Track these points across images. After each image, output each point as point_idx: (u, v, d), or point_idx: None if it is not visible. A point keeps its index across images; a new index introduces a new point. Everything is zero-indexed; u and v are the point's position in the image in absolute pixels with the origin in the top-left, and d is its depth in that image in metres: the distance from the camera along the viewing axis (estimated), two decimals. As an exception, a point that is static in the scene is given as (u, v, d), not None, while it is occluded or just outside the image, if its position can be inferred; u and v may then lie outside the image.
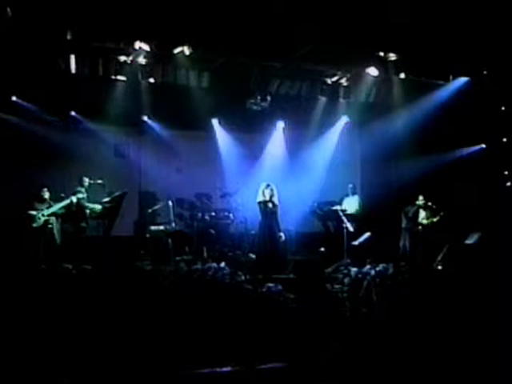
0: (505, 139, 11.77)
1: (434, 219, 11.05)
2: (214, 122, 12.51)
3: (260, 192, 9.90)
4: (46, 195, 9.91)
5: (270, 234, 9.76)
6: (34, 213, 9.66)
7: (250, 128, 12.48)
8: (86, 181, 10.21)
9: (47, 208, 9.78)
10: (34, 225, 9.64)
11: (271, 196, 9.82)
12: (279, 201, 9.93)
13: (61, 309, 7.07)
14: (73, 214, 10.03)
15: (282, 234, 9.82)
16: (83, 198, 10.03)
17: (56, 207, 9.83)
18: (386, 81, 11.68)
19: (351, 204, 11.59)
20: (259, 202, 9.85)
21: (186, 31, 9.59)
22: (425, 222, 11.15)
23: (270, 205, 9.81)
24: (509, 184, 11.79)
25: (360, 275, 8.85)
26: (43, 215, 9.70)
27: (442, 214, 11.02)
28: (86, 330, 6.78)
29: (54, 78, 10.23)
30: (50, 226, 9.76)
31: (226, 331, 7.12)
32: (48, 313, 6.99)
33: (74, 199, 9.88)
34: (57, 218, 9.90)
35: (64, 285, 7.57)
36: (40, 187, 9.95)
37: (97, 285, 7.56)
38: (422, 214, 11.30)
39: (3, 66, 9.57)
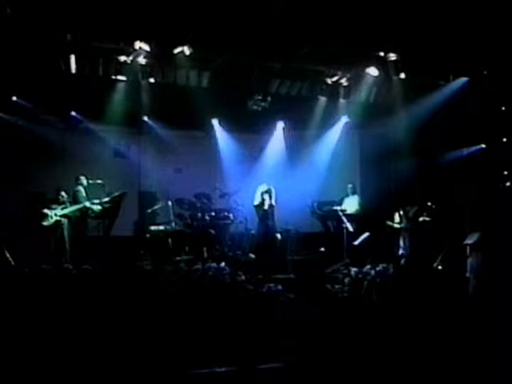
0: (505, 139, 11.76)
1: (421, 219, 11.02)
2: (214, 122, 12.50)
3: (257, 194, 9.93)
4: (64, 198, 10.09)
5: (267, 234, 9.81)
6: (47, 211, 9.73)
7: (249, 128, 12.46)
8: (83, 179, 10.25)
9: (62, 209, 9.85)
10: (45, 223, 9.70)
11: (269, 197, 9.85)
12: (278, 201, 9.96)
13: (61, 309, 7.08)
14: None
15: (278, 235, 9.87)
16: (82, 197, 10.09)
17: (70, 209, 9.91)
18: (386, 81, 11.64)
19: (351, 204, 11.60)
20: (256, 205, 9.90)
21: (185, 31, 9.59)
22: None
23: (267, 206, 9.84)
24: (509, 184, 11.79)
25: (360, 275, 8.87)
26: (56, 215, 9.77)
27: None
28: (86, 329, 6.79)
29: (54, 78, 10.22)
30: (61, 227, 9.82)
31: (226, 331, 7.12)
32: (48, 312, 6.99)
33: (88, 204, 9.99)
34: (69, 220, 9.95)
35: (64, 285, 7.58)
36: (57, 190, 10.20)
37: (97, 285, 7.57)
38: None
39: (3, 66, 9.57)
